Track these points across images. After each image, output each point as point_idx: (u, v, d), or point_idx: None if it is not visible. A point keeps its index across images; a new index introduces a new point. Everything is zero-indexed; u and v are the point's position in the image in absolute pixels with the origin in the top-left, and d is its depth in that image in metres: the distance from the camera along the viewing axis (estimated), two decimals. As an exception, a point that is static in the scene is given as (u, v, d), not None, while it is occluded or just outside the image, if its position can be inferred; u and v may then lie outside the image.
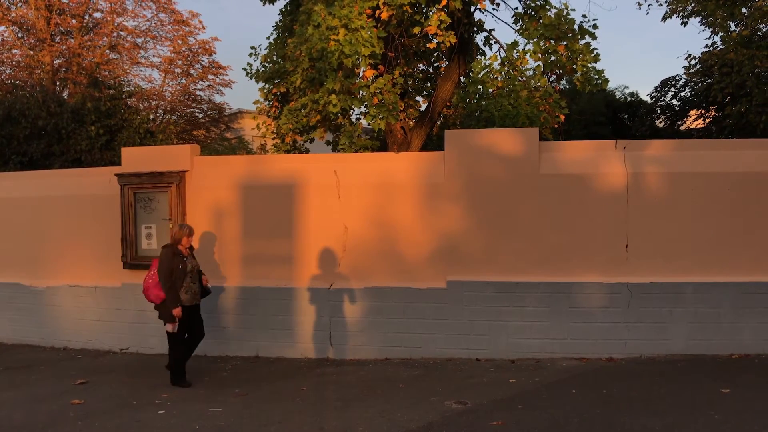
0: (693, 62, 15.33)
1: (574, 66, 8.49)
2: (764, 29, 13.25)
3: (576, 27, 8.60)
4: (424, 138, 10.18)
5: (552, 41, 8.50)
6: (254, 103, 10.39)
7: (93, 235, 7.82)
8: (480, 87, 8.88)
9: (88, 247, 7.86)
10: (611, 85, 18.92)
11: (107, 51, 18.84)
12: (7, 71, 18.14)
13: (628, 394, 5.32)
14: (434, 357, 6.83)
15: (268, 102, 10.37)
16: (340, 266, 7.10)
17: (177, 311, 5.89)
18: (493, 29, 10.81)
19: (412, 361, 6.79)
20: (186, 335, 6.11)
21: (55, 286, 8.03)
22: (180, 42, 19.60)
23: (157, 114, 19.13)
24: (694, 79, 16.05)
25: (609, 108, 17.44)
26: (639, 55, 62.93)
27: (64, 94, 16.85)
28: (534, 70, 9.00)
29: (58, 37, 18.46)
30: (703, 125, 16.74)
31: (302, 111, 8.76)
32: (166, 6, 19.33)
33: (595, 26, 8.75)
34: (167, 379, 6.21)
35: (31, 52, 17.80)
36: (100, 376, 6.55)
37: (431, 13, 8.53)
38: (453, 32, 8.35)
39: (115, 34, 19.10)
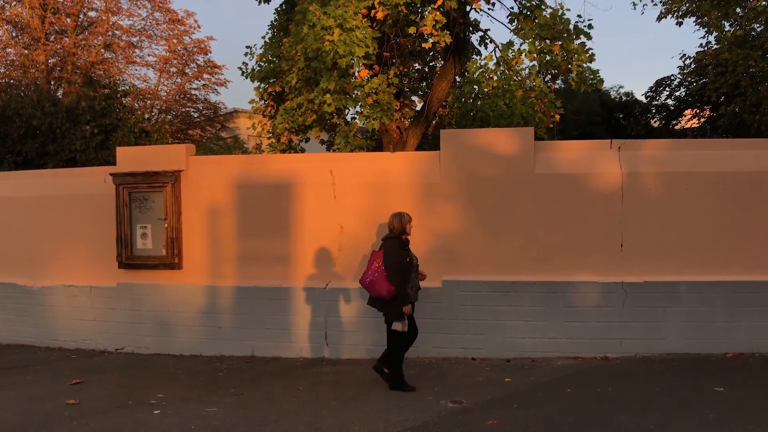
0: (688, 62, 15.40)
1: (569, 66, 8.52)
2: (758, 29, 13.30)
3: (571, 27, 8.63)
4: (420, 137, 10.19)
5: (547, 41, 8.52)
6: (250, 102, 10.38)
7: (88, 235, 7.80)
8: (475, 87, 8.89)
9: (83, 247, 7.84)
10: (606, 85, 19.00)
11: (102, 50, 18.78)
12: (2, 70, 18.07)
13: (623, 393, 5.34)
14: (430, 356, 6.83)
15: (263, 101, 10.36)
16: (335, 266, 7.10)
17: (408, 308, 5.47)
18: (489, 29, 10.85)
19: (407, 360, 6.76)
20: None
21: (50, 286, 8.01)
22: (175, 41, 19.55)
23: (152, 113, 19.08)
24: (689, 79, 16.12)
25: (604, 108, 17.50)
26: (634, 54, 63.11)
27: (58, 94, 16.78)
28: (529, 69, 9.02)
29: (53, 36, 18.39)
30: (697, 125, 16.81)
31: (298, 110, 8.75)
32: (161, 5, 19.29)
33: (590, 26, 8.78)
34: (162, 379, 6.19)
35: (26, 51, 17.72)
36: (95, 376, 6.53)
37: (426, 12, 8.54)
38: (448, 32, 8.36)
39: (110, 33, 19.05)
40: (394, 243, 5.57)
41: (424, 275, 5.87)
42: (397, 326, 5.52)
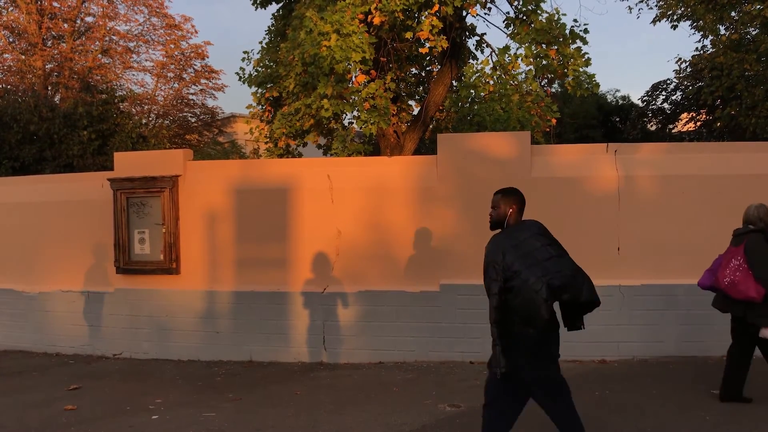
0: (683, 66, 15.48)
1: (566, 70, 8.56)
2: (753, 33, 13.38)
3: (567, 31, 8.66)
4: (417, 142, 10.22)
5: (543, 45, 8.56)
6: (247, 107, 10.40)
7: (86, 240, 7.79)
8: (472, 91, 8.93)
9: (81, 252, 7.83)
10: (603, 89, 19.10)
11: (99, 55, 18.80)
12: (-1, 76, 18.09)
13: (620, 396, 5.36)
14: (428, 360, 6.84)
15: (261, 106, 10.38)
16: (333, 270, 7.11)
17: None
18: (485, 33, 10.91)
19: (405, 364, 6.80)
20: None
21: (47, 291, 8.00)
22: (172, 46, 19.59)
23: (150, 118, 19.10)
24: (685, 83, 16.20)
25: (601, 111, 17.59)
26: (630, 58, 63.30)
27: (56, 99, 16.80)
28: (525, 74, 9.06)
29: (50, 42, 18.42)
30: (694, 128, 16.88)
31: (295, 115, 8.78)
32: (158, 10, 19.34)
33: (586, 30, 8.82)
34: (160, 384, 6.19)
35: (23, 57, 17.74)
36: (93, 381, 6.52)
37: (423, 18, 8.57)
38: (445, 37, 8.39)
39: (107, 38, 19.08)
40: (760, 237, 4.89)
41: None
42: (765, 333, 4.79)
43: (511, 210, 3.84)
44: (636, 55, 62.37)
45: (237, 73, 10.46)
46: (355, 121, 9.35)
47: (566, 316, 3.65)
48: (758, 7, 11.49)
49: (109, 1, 18.87)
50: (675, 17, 14.76)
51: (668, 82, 17.24)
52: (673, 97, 17.19)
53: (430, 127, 11.07)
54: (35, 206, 8.13)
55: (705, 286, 5.26)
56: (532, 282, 3.42)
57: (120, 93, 14.40)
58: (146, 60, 21.30)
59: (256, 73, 10.29)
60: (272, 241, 7.23)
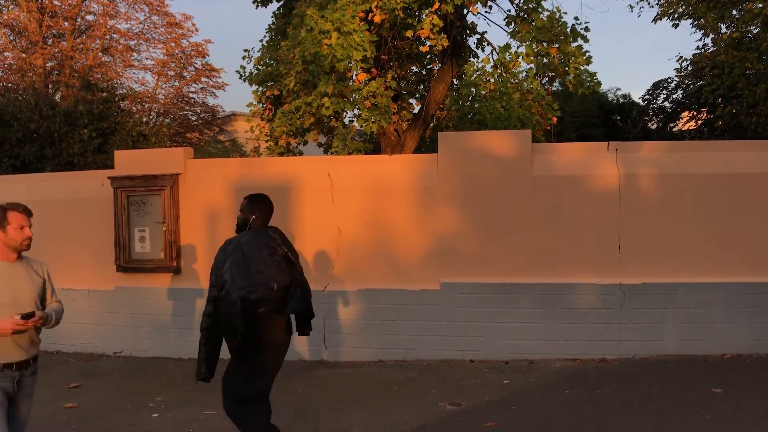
0: (684, 64, 15.46)
1: (567, 68, 8.54)
2: (754, 31, 13.36)
3: (568, 30, 8.65)
4: (418, 140, 10.21)
5: (544, 44, 8.54)
6: (248, 105, 10.40)
7: (86, 238, 7.79)
8: (473, 89, 8.91)
9: (81, 250, 7.83)
10: (604, 87, 19.10)
11: (100, 54, 18.80)
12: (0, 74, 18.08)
13: (620, 394, 5.35)
14: (428, 359, 6.84)
15: (261, 105, 10.37)
16: (334, 268, 7.10)
17: None
18: (486, 32, 10.92)
19: (406, 362, 6.80)
20: None
21: (47, 289, 7.98)
22: (173, 44, 19.58)
23: (150, 117, 19.08)
24: (686, 81, 16.18)
25: (602, 110, 17.58)
26: (631, 57, 63.22)
27: (56, 97, 16.80)
28: (526, 72, 9.04)
29: (51, 40, 18.40)
30: (695, 127, 16.86)
31: (296, 114, 8.77)
32: (159, 9, 19.32)
33: (587, 29, 8.81)
34: (161, 383, 6.19)
35: (23, 55, 17.73)
36: (93, 379, 6.53)
37: (424, 16, 8.57)
38: (445, 35, 8.38)
39: (107, 36, 19.06)
40: None
41: None
42: None
43: (254, 216, 3.87)
44: (637, 53, 62.28)
45: (238, 72, 10.46)
46: (355, 120, 9.36)
47: (296, 321, 3.86)
48: (759, 5, 11.47)
49: (110, -1, 18.86)
50: (676, 16, 14.74)
51: (669, 80, 17.23)
52: (674, 96, 17.18)
53: (431, 125, 11.06)
54: (35, 204, 8.00)
55: None
56: (232, 293, 3.49)
57: (120, 91, 14.42)
58: (147, 58, 21.33)
59: (256, 72, 10.28)
60: (273, 240, 7.21)
